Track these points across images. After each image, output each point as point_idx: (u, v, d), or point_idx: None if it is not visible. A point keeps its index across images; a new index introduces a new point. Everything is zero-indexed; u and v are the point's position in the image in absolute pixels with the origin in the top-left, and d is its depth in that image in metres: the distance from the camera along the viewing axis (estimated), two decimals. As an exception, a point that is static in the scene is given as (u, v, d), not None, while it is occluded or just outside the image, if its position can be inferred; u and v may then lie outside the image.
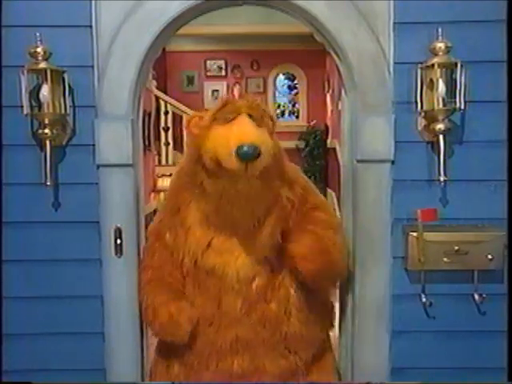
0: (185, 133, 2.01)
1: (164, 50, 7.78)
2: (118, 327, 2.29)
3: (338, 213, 6.78)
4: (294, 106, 9.07)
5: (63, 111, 2.15)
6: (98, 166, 2.22)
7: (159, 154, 7.32)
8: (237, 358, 2.10)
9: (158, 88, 7.39)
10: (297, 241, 2.01)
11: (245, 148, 1.72)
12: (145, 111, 6.22)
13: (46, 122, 2.12)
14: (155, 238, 2.22)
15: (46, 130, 2.12)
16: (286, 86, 9.05)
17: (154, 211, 6.85)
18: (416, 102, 2.18)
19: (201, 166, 1.94)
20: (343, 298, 2.44)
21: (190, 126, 2.02)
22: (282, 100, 9.07)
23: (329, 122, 8.12)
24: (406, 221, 2.25)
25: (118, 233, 2.23)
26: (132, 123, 2.22)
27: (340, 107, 6.37)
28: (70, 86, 2.16)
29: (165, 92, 7.82)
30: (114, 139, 2.20)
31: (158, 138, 7.24)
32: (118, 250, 2.24)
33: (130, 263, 2.27)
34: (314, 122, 8.39)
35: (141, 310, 2.22)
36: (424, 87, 2.16)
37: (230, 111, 1.90)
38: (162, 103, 7.28)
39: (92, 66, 2.19)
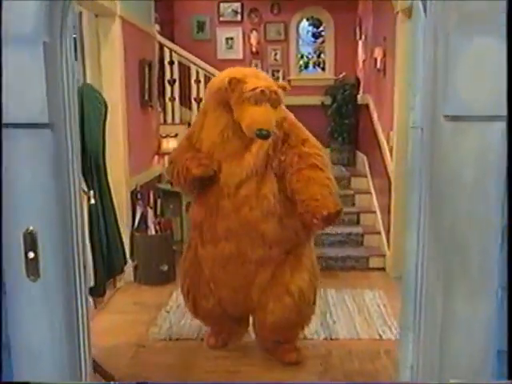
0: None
1: (171, -10, 6.72)
2: (38, 392, 1.39)
3: (370, 181, 5.81)
4: (319, 56, 7.93)
5: None
6: (-8, 126, 1.28)
7: (164, 111, 6.36)
8: (227, 244, 2.87)
9: (162, 35, 6.35)
10: (303, 191, 2.76)
11: (263, 132, 2.66)
12: (144, 60, 5.25)
13: None
14: (188, 144, 3.05)
15: None
16: (310, 34, 7.91)
17: (159, 176, 5.97)
18: None
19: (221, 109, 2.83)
20: (413, 352, 1.50)
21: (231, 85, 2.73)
22: (306, 49, 7.93)
23: (360, 75, 7.02)
24: (529, 224, 1.28)
25: (31, 240, 1.31)
26: (45, 49, 1.25)
27: (376, 54, 5.31)
28: None
29: (172, 40, 6.79)
30: (15, 77, 1.25)
31: (162, 92, 6.27)
32: (32, 268, 1.32)
33: (52, 289, 1.35)
34: (343, 74, 7.27)
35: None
36: None
37: (258, 98, 2.67)
38: (167, 52, 6.27)
39: None
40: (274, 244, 2.89)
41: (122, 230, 4.58)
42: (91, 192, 2.65)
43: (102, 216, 2.71)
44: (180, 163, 2.96)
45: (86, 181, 2.66)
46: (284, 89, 2.84)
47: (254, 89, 2.66)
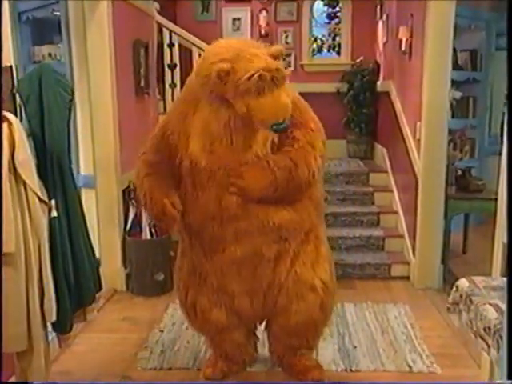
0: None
1: (173, -33, 6.10)
2: None
3: (391, 177, 5.24)
4: (334, 39, 7.28)
5: None
6: None
7: (164, 99, 5.78)
8: (238, 246, 2.56)
9: (162, 15, 5.74)
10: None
11: (280, 127, 2.31)
12: (139, 41, 4.68)
13: None
14: (161, 135, 2.60)
15: None
16: (325, 14, 7.25)
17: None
18: None
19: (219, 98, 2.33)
20: None
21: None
22: (320, 31, 7.26)
23: (380, 59, 6.39)
24: None
25: None
26: None
27: (401, 34, 4.68)
28: None
29: (173, 21, 6.18)
30: None
31: (162, 78, 5.69)
32: None
33: None
34: (361, 59, 6.63)
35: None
36: None
37: (258, 86, 2.20)
38: (167, 33, 5.67)
39: None
40: (289, 235, 2.59)
41: (113, 234, 4.19)
42: (52, 202, 2.09)
43: (67, 232, 2.14)
44: (144, 185, 2.60)
45: (46, 187, 2.10)
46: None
47: (249, 78, 2.18)
